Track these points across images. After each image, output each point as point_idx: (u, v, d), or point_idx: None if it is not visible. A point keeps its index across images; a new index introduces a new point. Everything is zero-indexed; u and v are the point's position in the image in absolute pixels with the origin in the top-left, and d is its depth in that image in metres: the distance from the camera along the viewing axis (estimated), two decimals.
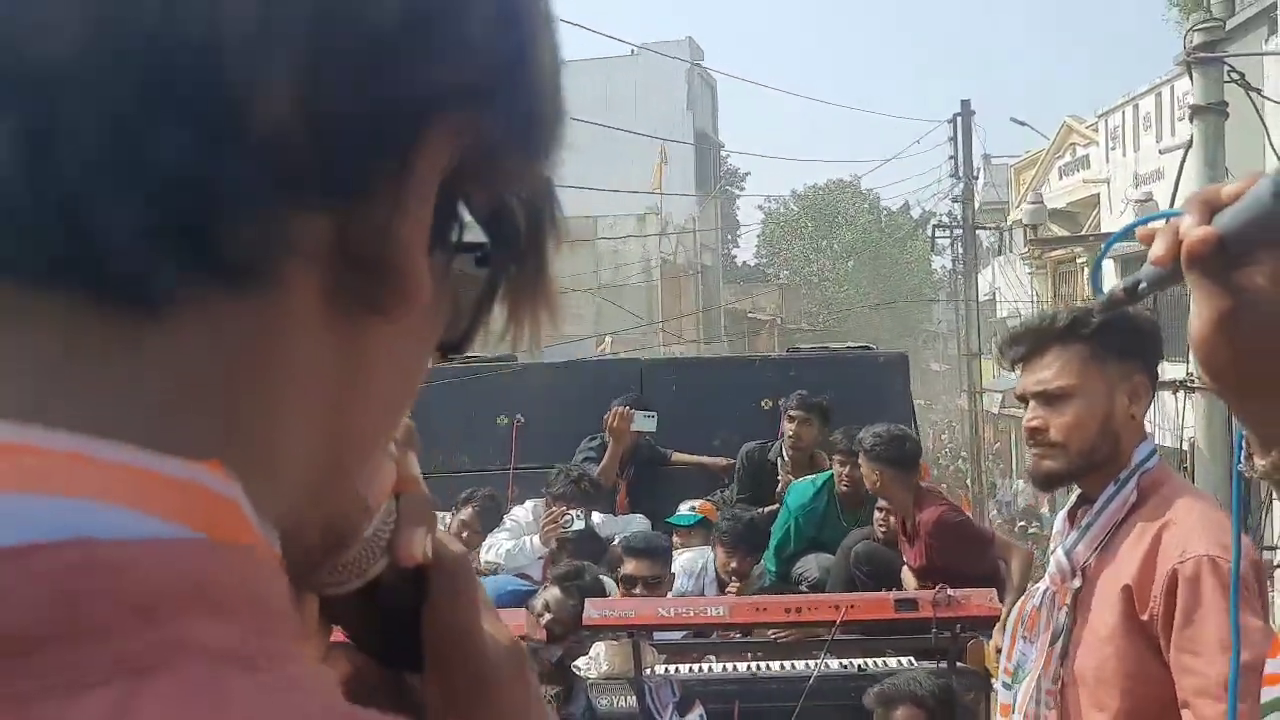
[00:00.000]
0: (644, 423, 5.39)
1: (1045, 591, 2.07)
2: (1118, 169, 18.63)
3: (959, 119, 20.33)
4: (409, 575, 0.49)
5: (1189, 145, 5.83)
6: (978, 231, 22.11)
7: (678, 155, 26.31)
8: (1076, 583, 1.98)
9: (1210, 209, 0.84)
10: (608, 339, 16.37)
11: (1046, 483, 2.10)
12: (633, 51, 28.53)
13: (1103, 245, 1.20)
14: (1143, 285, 0.92)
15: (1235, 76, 5.66)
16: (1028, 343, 2.09)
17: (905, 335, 43.49)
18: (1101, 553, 1.96)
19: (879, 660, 3.86)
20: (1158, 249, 0.86)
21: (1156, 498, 1.95)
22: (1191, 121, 5.96)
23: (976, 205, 22.14)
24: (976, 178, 21.59)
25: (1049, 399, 2.02)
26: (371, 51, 0.33)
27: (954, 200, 21.16)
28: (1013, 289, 22.41)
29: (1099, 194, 19.73)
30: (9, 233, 0.31)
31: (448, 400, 5.71)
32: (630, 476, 5.46)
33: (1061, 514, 2.15)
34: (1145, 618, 1.86)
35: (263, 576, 0.33)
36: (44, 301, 0.32)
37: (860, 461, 4.32)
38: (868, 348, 6.79)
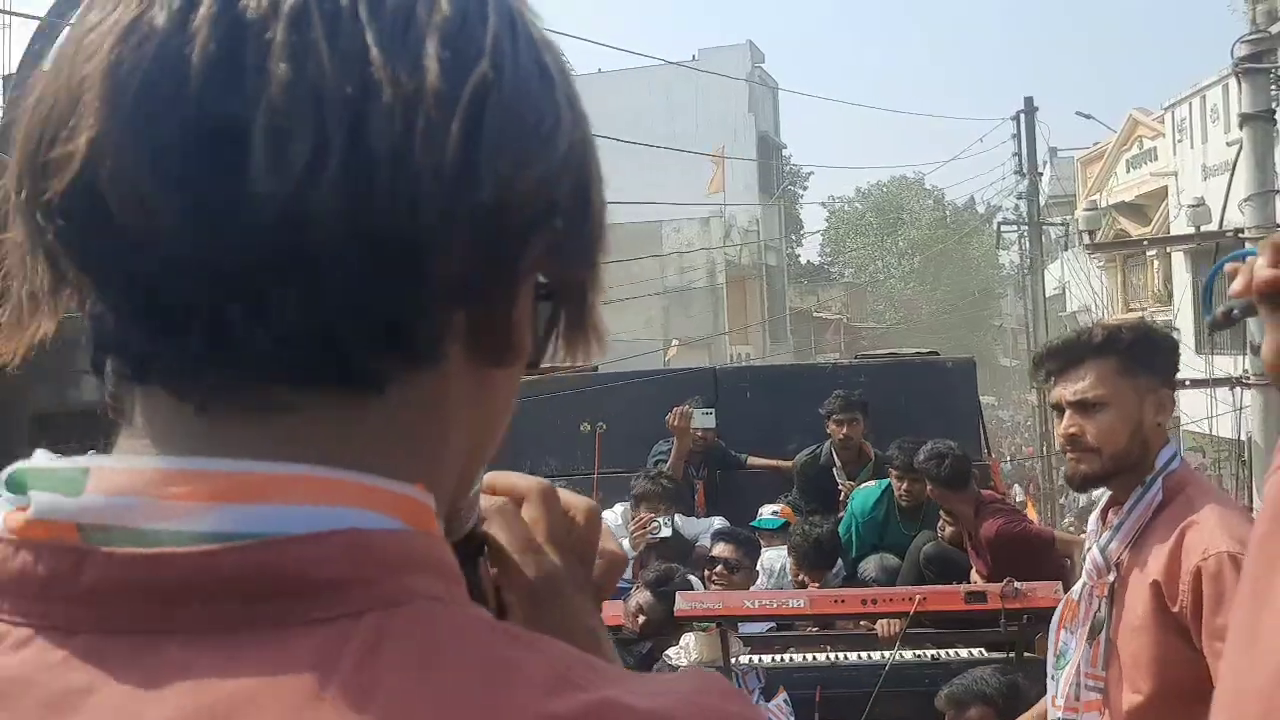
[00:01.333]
0: (703, 420, 5.60)
1: (1084, 585, 2.27)
2: (1185, 161, 18.42)
3: (1022, 115, 20.23)
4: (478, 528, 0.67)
5: (1239, 150, 5.98)
6: (1045, 226, 21.94)
7: (741, 157, 26.41)
8: (1111, 577, 2.19)
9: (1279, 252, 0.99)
10: (674, 344, 16.60)
11: (1082, 485, 2.28)
12: (693, 57, 28.71)
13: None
14: (1235, 312, 1.08)
15: None
16: (1064, 356, 2.26)
17: (973, 331, 42.96)
18: (1133, 549, 2.16)
19: (950, 650, 3.97)
20: (1237, 285, 0.99)
21: (1181, 498, 2.15)
22: (1241, 129, 6.11)
23: (1043, 200, 21.96)
24: (1041, 173, 21.41)
25: (1085, 407, 2.20)
26: (493, 222, 0.47)
27: (1019, 197, 21.04)
28: (1080, 283, 22.18)
29: (1167, 186, 19.51)
30: (295, 355, 0.46)
31: (534, 409, 6.06)
32: (706, 479, 5.74)
33: (1094, 515, 2.35)
34: (1175, 609, 2.05)
35: (445, 551, 0.50)
36: (311, 395, 0.47)
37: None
38: (935, 353, 6.99)
